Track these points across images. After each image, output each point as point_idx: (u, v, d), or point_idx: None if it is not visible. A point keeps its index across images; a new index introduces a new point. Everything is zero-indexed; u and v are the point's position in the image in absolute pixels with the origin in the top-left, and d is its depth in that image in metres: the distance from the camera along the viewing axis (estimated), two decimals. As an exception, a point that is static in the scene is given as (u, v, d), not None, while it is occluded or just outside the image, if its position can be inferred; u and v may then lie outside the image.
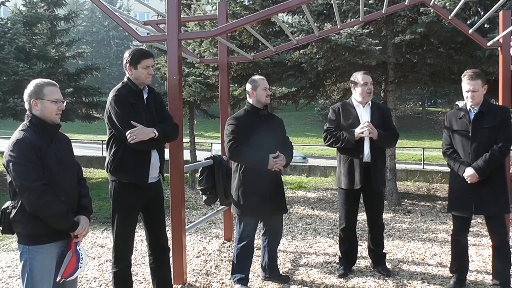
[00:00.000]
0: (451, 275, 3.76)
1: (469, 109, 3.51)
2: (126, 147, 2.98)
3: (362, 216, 5.07)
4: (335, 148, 4.05)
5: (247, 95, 3.75)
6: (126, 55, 3.12)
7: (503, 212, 3.44)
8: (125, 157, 3.02)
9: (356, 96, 4.01)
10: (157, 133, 3.03)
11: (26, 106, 2.47)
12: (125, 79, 3.13)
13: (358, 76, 3.98)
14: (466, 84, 3.46)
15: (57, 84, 2.56)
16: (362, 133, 3.79)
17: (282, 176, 3.87)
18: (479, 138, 3.42)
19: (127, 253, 3.16)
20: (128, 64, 3.09)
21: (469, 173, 3.38)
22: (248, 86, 3.72)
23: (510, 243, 3.59)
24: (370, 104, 4.00)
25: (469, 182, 3.40)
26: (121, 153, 3.02)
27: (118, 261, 3.13)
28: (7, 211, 2.39)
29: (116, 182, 3.07)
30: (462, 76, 3.51)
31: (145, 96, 3.16)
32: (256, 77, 3.77)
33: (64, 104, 2.54)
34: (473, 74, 3.43)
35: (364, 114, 3.95)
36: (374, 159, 3.88)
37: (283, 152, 3.59)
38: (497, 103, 5.12)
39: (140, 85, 3.13)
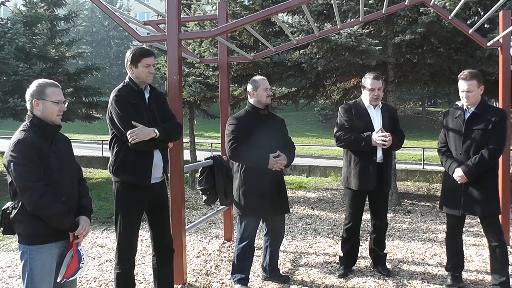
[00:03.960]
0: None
1: (465, 109, 3.51)
2: (128, 147, 2.97)
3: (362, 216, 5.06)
4: (341, 148, 4.05)
5: (248, 95, 3.75)
6: (128, 54, 3.11)
7: (491, 214, 3.45)
8: (127, 157, 3.01)
9: (364, 98, 3.99)
10: (158, 133, 3.01)
11: (28, 106, 2.46)
12: (127, 79, 3.13)
13: (367, 80, 3.91)
14: (461, 84, 3.47)
15: (59, 85, 2.56)
16: (380, 142, 3.73)
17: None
18: (471, 138, 3.43)
19: (131, 254, 3.14)
20: (129, 63, 3.08)
21: (458, 174, 3.42)
22: (249, 87, 3.72)
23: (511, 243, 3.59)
24: (381, 106, 3.98)
25: (458, 182, 3.43)
26: (123, 153, 3.01)
27: (122, 262, 3.10)
28: (8, 211, 2.39)
29: (119, 183, 3.06)
30: (458, 76, 3.52)
31: (146, 96, 3.15)
32: (257, 77, 3.76)
33: (66, 105, 2.53)
34: (468, 74, 3.43)
35: (375, 117, 3.92)
36: (386, 160, 3.90)
37: (284, 151, 3.59)
38: (496, 104, 5.12)
39: (141, 85, 3.12)
